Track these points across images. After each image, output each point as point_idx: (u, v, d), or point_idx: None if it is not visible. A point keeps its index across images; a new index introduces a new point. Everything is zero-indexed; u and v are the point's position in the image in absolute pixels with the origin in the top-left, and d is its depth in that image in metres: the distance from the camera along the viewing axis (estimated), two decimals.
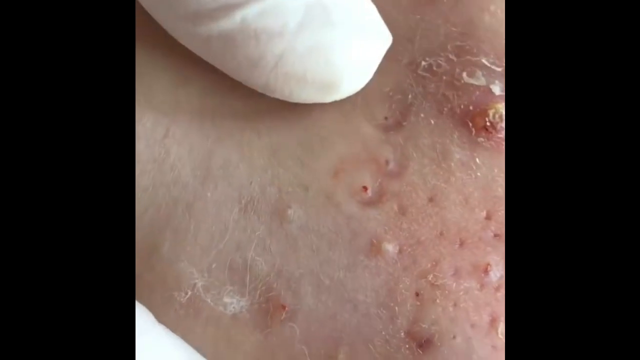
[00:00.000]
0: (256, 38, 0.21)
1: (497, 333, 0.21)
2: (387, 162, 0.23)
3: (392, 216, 0.22)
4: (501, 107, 0.22)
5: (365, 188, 0.22)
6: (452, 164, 0.22)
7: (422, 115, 0.23)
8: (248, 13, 0.21)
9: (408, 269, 0.22)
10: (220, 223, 0.23)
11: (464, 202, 0.22)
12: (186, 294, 0.22)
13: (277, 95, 0.22)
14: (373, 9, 0.23)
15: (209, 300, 0.22)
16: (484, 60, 0.23)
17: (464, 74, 0.23)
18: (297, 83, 0.22)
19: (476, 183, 0.22)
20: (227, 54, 0.21)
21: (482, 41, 0.23)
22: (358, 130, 0.23)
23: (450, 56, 0.23)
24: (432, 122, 0.23)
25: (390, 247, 0.22)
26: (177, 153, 0.23)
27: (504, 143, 0.22)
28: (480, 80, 0.23)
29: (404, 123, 0.23)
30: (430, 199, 0.22)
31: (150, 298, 0.22)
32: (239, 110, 0.24)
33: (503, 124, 0.22)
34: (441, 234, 0.22)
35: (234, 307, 0.22)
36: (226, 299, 0.22)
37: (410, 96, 0.23)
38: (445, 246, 0.22)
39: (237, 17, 0.21)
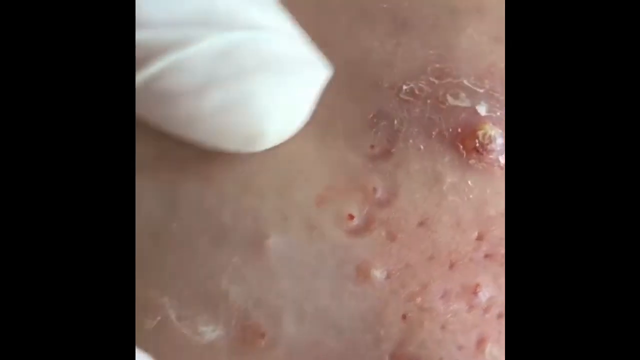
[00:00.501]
0: (161, 100, 0.19)
1: (484, 355, 0.21)
2: (375, 190, 0.22)
3: (381, 243, 0.21)
4: (490, 128, 0.22)
5: (351, 216, 0.22)
6: (444, 188, 0.22)
7: (410, 141, 0.22)
8: (147, 74, 0.19)
9: (396, 293, 0.21)
10: (190, 251, 0.22)
11: (455, 225, 0.21)
12: (155, 320, 0.21)
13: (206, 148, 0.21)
14: (300, 43, 0.21)
15: (182, 329, 0.21)
16: (465, 82, 0.23)
17: (448, 96, 0.22)
18: (216, 139, 0.20)
19: (468, 205, 0.22)
20: (144, 111, 0.20)
21: (461, 63, 0.23)
22: (343, 160, 0.22)
23: (431, 79, 0.23)
24: (422, 147, 0.22)
25: (378, 273, 0.21)
26: (140, 182, 0.22)
27: (495, 164, 0.22)
28: (465, 102, 0.22)
29: (393, 150, 0.22)
30: (421, 224, 0.22)
31: None
32: None
33: (493, 145, 0.22)
34: (431, 257, 0.21)
35: (208, 336, 0.21)
36: (201, 327, 0.21)
37: (396, 122, 0.22)
38: (435, 269, 0.21)
39: (140, 78, 0.19)
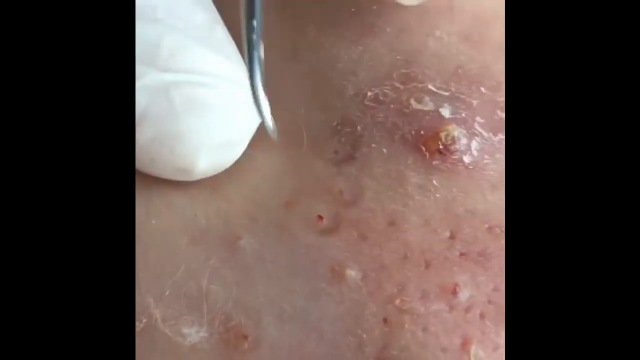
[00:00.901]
0: None
1: (469, 357, 0.20)
2: (341, 192, 0.22)
3: (352, 242, 0.21)
4: (452, 129, 0.22)
5: (320, 217, 0.22)
6: (409, 188, 0.22)
7: (373, 145, 0.22)
8: None
9: (374, 295, 0.21)
10: (170, 251, 0.22)
11: (425, 223, 0.21)
12: (141, 322, 0.21)
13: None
14: (238, 90, 0.22)
15: (166, 331, 0.21)
16: (430, 86, 0.23)
17: (412, 100, 0.23)
18: (150, 167, 0.21)
19: (436, 205, 0.22)
20: None
21: (428, 67, 0.23)
22: (308, 167, 0.23)
23: (396, 84, 0.23)
24: (385, 150, 0.22)
25: (353, 273, 0.21)
26: None
27: (459, 164, 0.22)
28: (429, 105, 0.22)
29: (356, 155, 0.22)
30: (390, 223, 0.21)
31: None
32: None
33: (457, 145, 0.22)
34: (405, 257, 0.21)
35: (192, 338, 0.21)
36: (184, 329, 0.21)
37: (359, 127, 0.22)
38: (410, 269, 0.21)
39: None
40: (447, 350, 0.20)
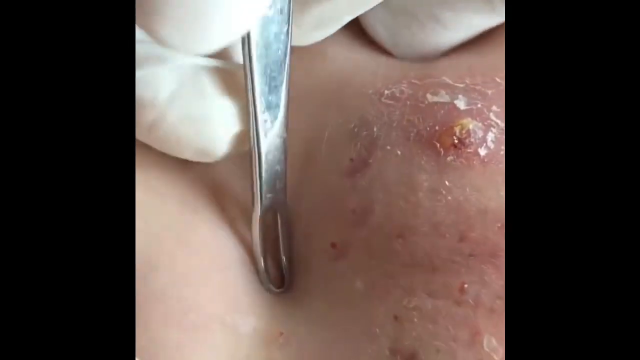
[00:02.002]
0: None
1: (482, 346, 0.20)
2: (353, 211, 0.22)
3: (361, 261, 0.22)
4: (467, 122, 0.22)
5: (334, 245, 0.22)
6: (420, 194, 0.21)
7: (388, 147, 0.22)
8: None
9: (382, 299, 0.21)
10: None
11: (434, 229, 0.21)
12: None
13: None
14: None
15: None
16: (445, 79, 0.23)
17: (428, 95, 0.22)
18: (172, 147, 0.22)
19: (447, 208, 0.21)
20: None
21: (442, 61, 0.23)
22: (323, 184, 0.23)
23: (413, 80, 0.23)
24: (399, 152, 0.22)
25: (362, 286, 0.21)
26: None
27: (474, 158, 0.21)
28: (444, 98, 0.22)
29: (370, 160, 0.22)
30: (399, 235, 0.21)
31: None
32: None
33: (472, 139, 0.22)
34: (413, 265, 0.21)
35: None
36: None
37: (375, 129, 0.22)
38: (418, 275, 0.21)
39: None
40: (459, 340, 0.20)
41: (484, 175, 0.21)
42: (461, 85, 0.22)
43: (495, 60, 0.22)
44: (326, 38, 0.24)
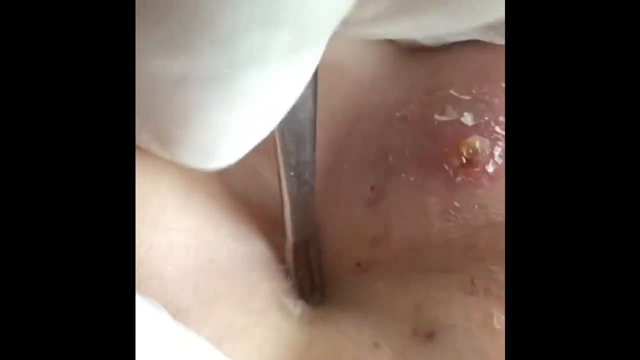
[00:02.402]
0: None
1: (493, 323, 0.20)
2: (374, 238, 0.23)
3: (383, 271, 0.23)
4: (473, 141, 0.22)
5: (359, 264, 0.23)
6: (432, 217, 0.22)
7: (402, 175, 0.22)
8: None
9: (403, 294, 0.22)
10: None
11: (446, 244, 0.22)
12: None
13: None
14: None
15: None
16: (452, 92, 0.23)
17: (436, 115, 0.23)
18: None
19: (456, 226, 0.22)
20: None
21: (449, 73, 0.23)
22: (346, 213, 0.24)
23: (422, 96, 0.23)
24: (412, 179, 0.22)
25: (383, 287, 0.22)
26: None
27: (482, 176, 0.21)
28: (452, 115, 0.22)
29: (386, 187, 0.23)
30: (414, 250, 0.22)
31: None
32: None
33: (479, 157, 0.21)
34: (428, 270, 0.22)
35: None
36: None
37: (391, 157, 0.23)
38: (430, 280, 0.22)
39: None
40: (472, 320, 0.21)
41: (491, 191, 0.21)
42: (467, 98, 0.22)
43: (502, 63, 0.22)
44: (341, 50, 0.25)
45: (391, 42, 0.24)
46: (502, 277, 0.20)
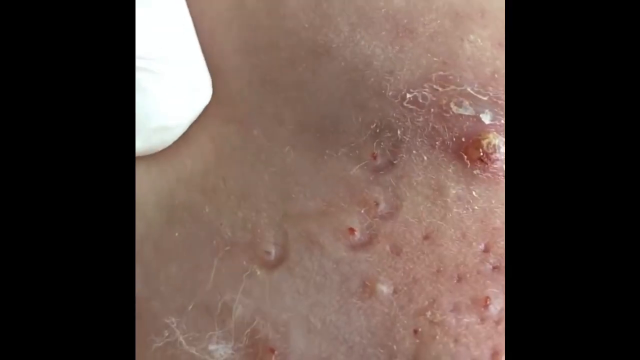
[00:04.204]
0: None
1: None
2: (376, 203, 0.22)
3: (385, 257, 0.21)
4: (494, 137, 0.21)
5: (351, 230, 0.21)
6: (449, 200, 0.21)
7: (414, 152, 0.22)
8: None
9: (404, 308, 0.21)
10: (193, 264, 0.22)
11: (461, 237, 0.21)
12: (164, 337, 0.21)
13: None
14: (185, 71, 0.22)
15: (190, 348, 0.21)
16: (469, 89, 0.22)
17: (452, 105, 0.22)
18: None
19: (474, 217, 0.21)
20: None
21: (464, 70, 0.22)
22: (343, 173, 0.22)
23: (435, 86, 0.22)
24: (425, 158, 0.22)
25: (384, 288, 0.21)
26: (140, 189, 0.22)
27: (500, 174, 0.21)
28: (469, 110, 0.22)
29: (395, 161, 0.22)
30: (426, 237, 0.21)
31: None
32: (196, 157, 0.23)
33: (497, 155, 0.21)
34: (438, 271, 0.21)
35: (219, 354, 0.21)
36: (211, 347, 0.21)
37: (399, 132, 0.22)
38: (442, 283, 0.21)
39: None
40: None
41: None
42: (485, 99, 0.22)
43: None
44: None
45: None
46: None
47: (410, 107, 0.22)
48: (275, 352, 0.21)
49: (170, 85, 0.22)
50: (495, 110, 0.22)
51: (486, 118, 0.22)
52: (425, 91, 0.22)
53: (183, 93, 0.22)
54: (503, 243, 0.21)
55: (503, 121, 0.22)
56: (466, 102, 0.22)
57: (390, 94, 0.22)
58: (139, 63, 0.21)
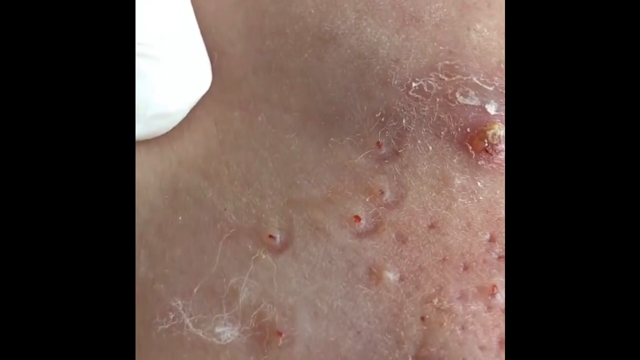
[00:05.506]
0: None
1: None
2: (382, 192, 0.22)
3: (391, 245, 0.21)
4: (499, 128, 0.21)
5: (357, 218, 0.21)
6: (453, 190, 0.21)
7: (419, 141, 0.22)
8: None
9: (411, 295, 0.21)
10: (198, 247, 0.22)
11: (466, 226, 0.21)
12: (170, 319, 0.21)
13: None
14: (189, 54, 0.22)
15: (196, 329, 0.21)
16: (475, 79, 0.22)
17: (458, 95, 0.22)
18: None
19: (479, 207, 0.21)
20: None
21: (471, 59, 0.22)
22: (348, 160, 0.22)
23: (441, 76, 0.22)
24: (430, 148, 0.22)
25: (391, 275, 0.21)
26: (142, 173, 0.22)
27: (504, 164, 0.21)
28: (475, 100, 0.22)
29: (400, 150, 0.22)
30: (431, 226, 0.21)
31: None
32: (199, 142, 0.23)
33: (502, 146, 0.21)
34: (444, 259, 0.21)
35: (226, 336, 0.21)
36: (218, 329, 0.21)
37: (404, 121, 0.22)
38: (449, 271, 0.21)
39: None
40: (485, 349, 0.21)
41: None
42: (490, 89, 0.22)
43: None
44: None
45: None
46: None
47: (416, 96, 0.22)
48: (283, 335, 0.21)
49: (170, 71, 0.22)
50: (501, 100, 0.22)
51: (491, 108, 0.22)
52: (430, 80, 0.22)
53: (183, 79, 0.22)
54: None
55: None
56: (472, 92, 0.22)
57: (395, 82, 0.22)
58: (138, 49, 0.21)
